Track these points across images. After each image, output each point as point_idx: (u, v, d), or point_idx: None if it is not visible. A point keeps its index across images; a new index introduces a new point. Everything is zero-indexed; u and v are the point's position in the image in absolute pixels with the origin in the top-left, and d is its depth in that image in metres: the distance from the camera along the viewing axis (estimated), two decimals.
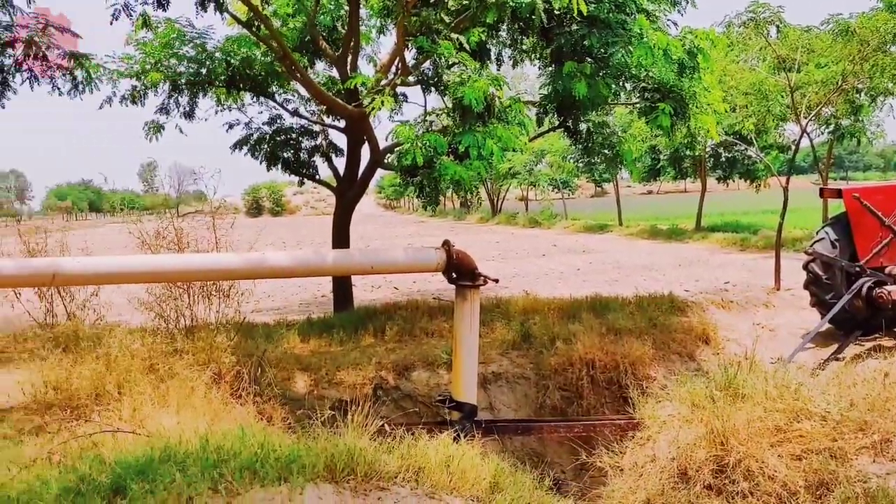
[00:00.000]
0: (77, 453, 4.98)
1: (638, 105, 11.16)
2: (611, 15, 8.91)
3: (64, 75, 12.06)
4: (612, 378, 10.16)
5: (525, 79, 48.59)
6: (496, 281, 7.52)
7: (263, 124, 12.97)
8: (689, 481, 5.69)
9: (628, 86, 10.96)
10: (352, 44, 10.99)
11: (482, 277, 7.25)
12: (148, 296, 9.36)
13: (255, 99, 12.70)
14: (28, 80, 11.93)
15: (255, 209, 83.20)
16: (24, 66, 11.62)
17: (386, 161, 11.31)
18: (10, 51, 11.47)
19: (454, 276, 7.25)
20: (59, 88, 12.09)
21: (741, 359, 7.61)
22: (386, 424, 5.43)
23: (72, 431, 5.95)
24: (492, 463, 4.75)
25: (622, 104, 12.70)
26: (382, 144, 11.59)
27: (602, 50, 9.05)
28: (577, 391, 10.14)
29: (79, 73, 12.14)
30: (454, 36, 8.35)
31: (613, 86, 10.08)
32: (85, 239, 12.02)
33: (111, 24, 10.22)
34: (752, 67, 16.54)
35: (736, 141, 20.86)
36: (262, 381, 7.96)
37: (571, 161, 35.95)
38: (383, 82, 9.59)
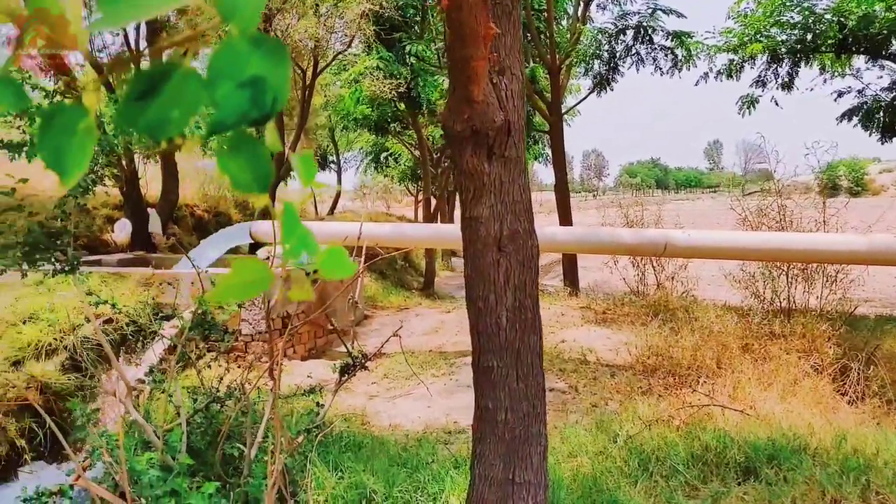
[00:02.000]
0: (694, 422, 5.14)
1: None
2: None
3: (666, 55, 12.75)
4: None
5: None
6: None
7: (881, 90, 11.54)
8: None
9: None
10: None
11: None
12: (742, 273, 9.27)
13: (870, 62, 11.39)
14: (634, 64, 12.97)
15: (831, 188, 76.40)
16: (633, 51, 12.67)
17: None
18: (622, 37, 12.61)
19: None
20: (660, 68, 12.84)
21: None
22: None
23: (679, 398, 6.22)
24: None
25: None
26: None
27: None
28: None
29: (679, 52, 12.69)
30: None
31: None
32: (677, 213, 12.58)
33: None
34: None
35: None
36: (871, 380, 7.10)
37: None
38: None
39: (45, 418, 6.42)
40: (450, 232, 10.53)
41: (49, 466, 6.39)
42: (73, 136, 0.46)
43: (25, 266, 3.71)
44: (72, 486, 3.71)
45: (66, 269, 3.84)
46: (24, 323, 7.41)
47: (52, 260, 3.79)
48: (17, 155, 3.65)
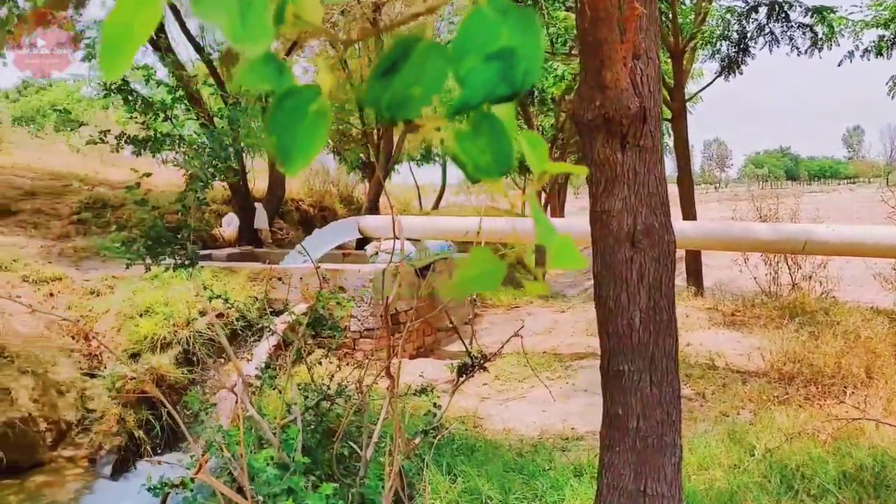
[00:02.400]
0: (843, 437, 4.85)
1: None
2: None
3: (804, 34, 12.12)
4: None
5: None
6: None
7: None
8: None
9: None
10: None
11: None
12: (894, 273, 8.70)
13: None
14: (767, 44, 12.40)
15: None
16: (766, 30, 12.10)
17: None
18: (753, 15, 12.09)
19: None
20: (797, 48, 12.21)
21: None
22: None
23: (823, 409, 5.90)
24: None
25: None
26: None
27: None
28: None
29: (819, 30, 12.03)
30: None
31: None
32: (815, 208, 11.93)
33: None
34: None
35: None
36: None
37: None
38: None
39: (159, 410, 6.75)
40: (561, 227, 10.39)
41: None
42: (304, 119, 0.45)
43: (149, 260, 3.91)
44: (192, 479, 3.89)
45: (186, 263, 4.02)
46: (140, 316, 7.86)
47: (173, 254, 3.98)
48: (141, 151, 3.86)
